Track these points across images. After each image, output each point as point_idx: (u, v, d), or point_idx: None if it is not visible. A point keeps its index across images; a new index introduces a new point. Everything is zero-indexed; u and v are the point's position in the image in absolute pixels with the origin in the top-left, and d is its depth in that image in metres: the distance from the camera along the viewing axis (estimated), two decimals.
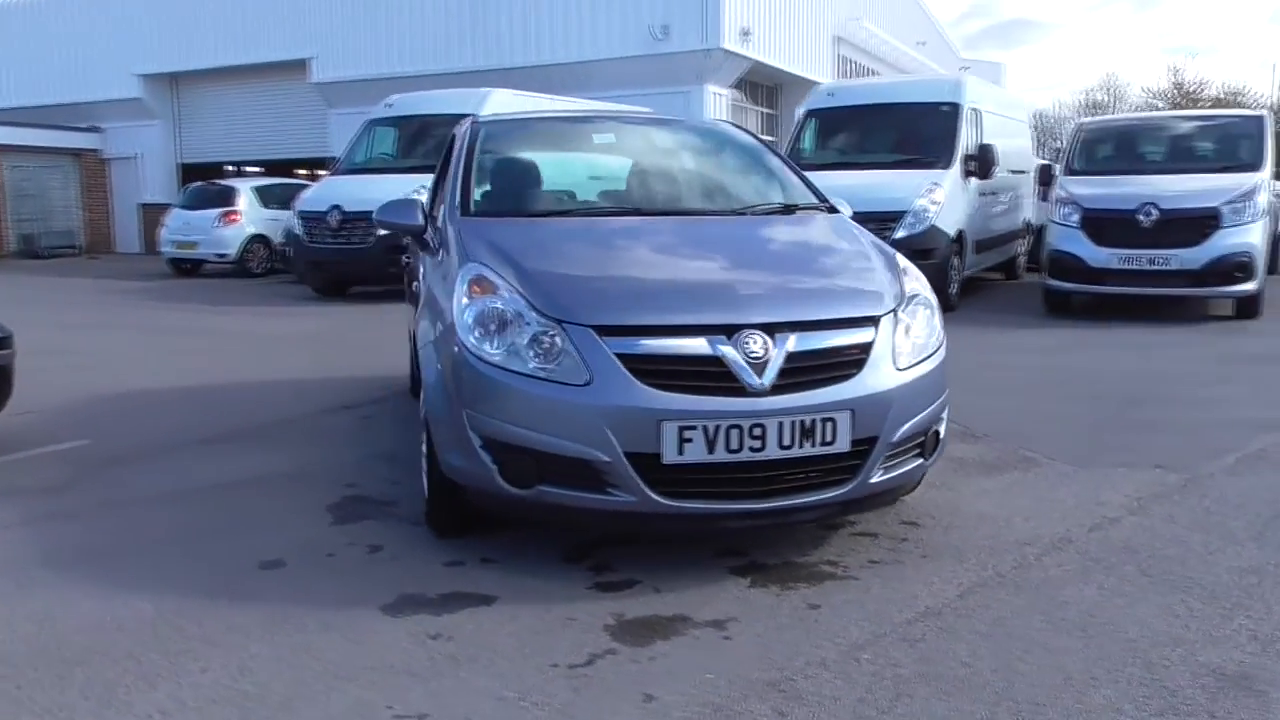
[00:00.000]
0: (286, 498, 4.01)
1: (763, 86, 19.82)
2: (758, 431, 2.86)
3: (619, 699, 2.35)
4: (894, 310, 3.18)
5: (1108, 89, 60.07)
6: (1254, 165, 9.47)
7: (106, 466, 4.51)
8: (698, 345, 2.91)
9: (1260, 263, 8.97)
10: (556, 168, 4.34)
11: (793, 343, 2.95)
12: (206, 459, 4.64)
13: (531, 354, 2.98)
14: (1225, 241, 8.80)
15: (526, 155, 4.32)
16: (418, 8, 19.22)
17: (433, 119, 12.62)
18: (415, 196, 10.70)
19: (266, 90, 21.85)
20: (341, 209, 11.37)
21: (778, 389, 2.89)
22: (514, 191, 4.07)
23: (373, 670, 2.52)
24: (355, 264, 11.44)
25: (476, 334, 3.07)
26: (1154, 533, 3.42)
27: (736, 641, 2.64)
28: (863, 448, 3.00)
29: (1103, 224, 9.21)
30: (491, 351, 3.03)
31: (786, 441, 2.89)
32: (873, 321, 3.12)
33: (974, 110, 10.98)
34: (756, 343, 2.91)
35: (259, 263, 15.84)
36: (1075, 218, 9.42)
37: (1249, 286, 8.88)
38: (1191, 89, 55.57)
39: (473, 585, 3.04)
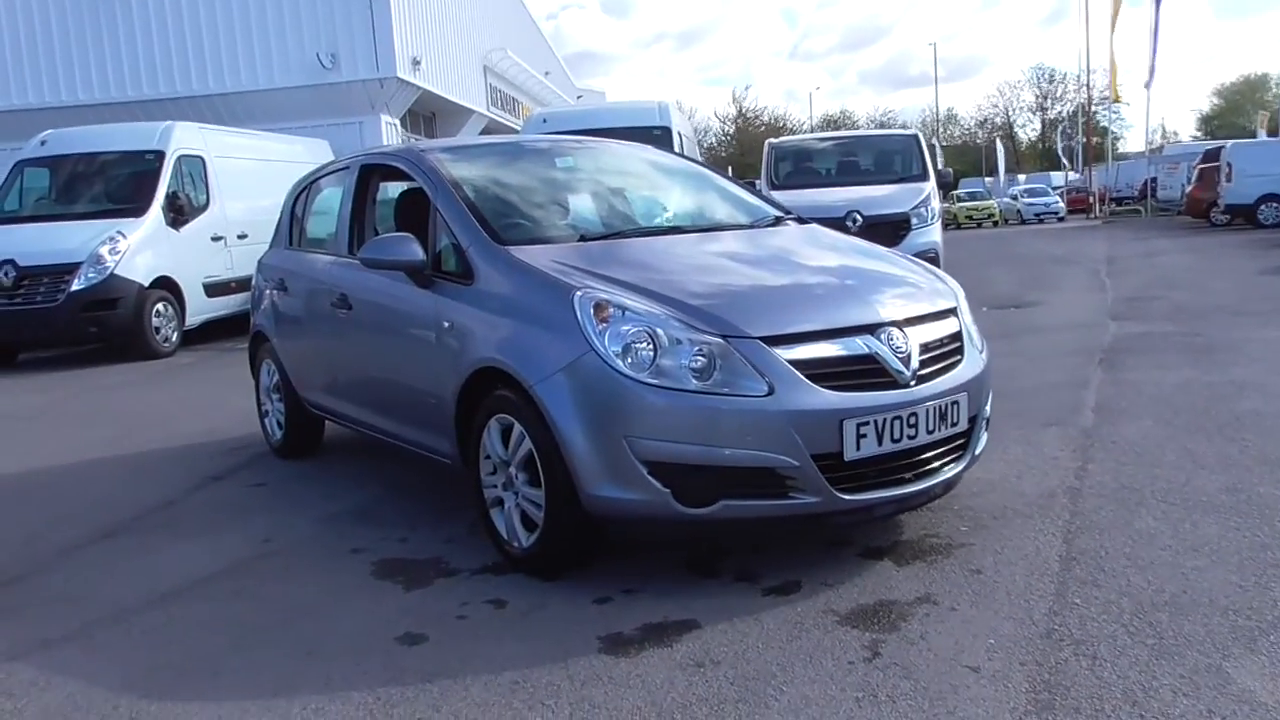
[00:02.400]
0: (308, 578, 3.56)
1: (421, 116, 19.66)
2: (913, 420, 3.10)
3: (949, 675, 2.48)
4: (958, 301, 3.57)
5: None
6: (922, 176, 11.18)
7: (13, 582, 3.69)
8: (854, 345, 3.09)
9: (942, 256, 10.61)
10: (547, 192, 4.22)
11: (919, 335, 3.23)
12: (129, 557, 3.94)
13: (690, 372, 2.98)
14: (918, 240, 10.31)
15: (517, 182, 4.18)
16: (13, 29, 16.76)
17: (102, 157, 11.26)
18: (115, 241, 9.62)
19: None
20: (16, 264, 9.70)
21: (920, 379, 3.15)
22: (535, 218, 3.92)
23: (689, 706, 2.42)
24: (39, 326, 9.80)
25: (626, 359, 3.00)
26: (1127, 473, 4.09)
27: (965, 612, 2.86)
28: (969, 426, 3.35)
29: None
30: (647, 374, 2.98)
31: (931, 427, 3.16)
32: (954, 312, 3.49)
33: (679, 133, 11.86)
34: (899, 338, 3.15)
35: None
36: None
37: None
38: (752, 115, 63.23)
39: (659, 615, 2.97)
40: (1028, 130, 71.51)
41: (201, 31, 16.49)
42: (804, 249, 3.87)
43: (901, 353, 3.14)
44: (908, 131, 12.90)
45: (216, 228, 11.32)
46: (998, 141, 52.13)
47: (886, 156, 12.11)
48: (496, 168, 4.28)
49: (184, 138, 11.26)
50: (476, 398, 3.49)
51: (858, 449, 3.00)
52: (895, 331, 3.16)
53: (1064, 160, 48.40)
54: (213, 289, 11.17)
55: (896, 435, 3.07)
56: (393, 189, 5.07)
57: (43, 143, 11.34)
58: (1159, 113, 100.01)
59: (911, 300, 3.39)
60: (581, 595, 3.17)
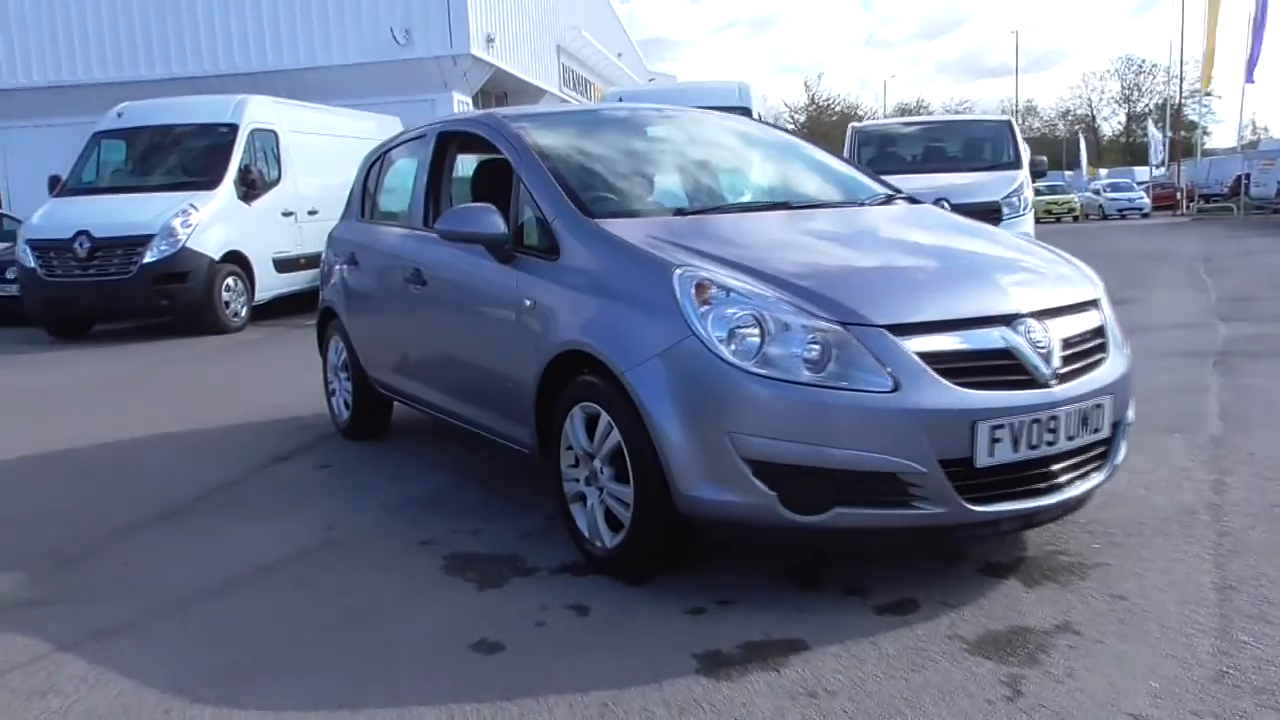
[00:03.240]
0: (374, 571, 3.32)
1: (493, 95, 19.48)
2: (1053, 424, 2.74)
3: None
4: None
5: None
6: (1015, 164, 10.66)
7: (71, 563, 3.51)
8: (989, 338, 2.74)
9: None
10: (637, 163, 3.92)
11: (1060, 329, 2.86)
12: (189, 540, 3.74)
13: (803, 362, 2.66)
14: (1012, 231, 9.80)
15: (605, 152, 3.88)
16: (95, 5, 16.93)
17: (176, 129, 11.24)
18: (187, 214, 9.57)
19: None
20: (91, 235, 9.70)
21: (1060, 378, 2.79)
22: (625, 190, 3.62)
23: None
24: (112, 298, 9.80)
25: (730, 345, 2.69)
26: (1275, 489, 3.66)
27: (1114, 646, 2.50)
28: (1111, 433, 2.98)
29: None
30: (753, 363, 2.66)
31: (1072, 432, 2.80)
32: (1095, 304, 3.12)
33: (759, 115, 11.47)
34: (1039, 331, 2.79)
35: None
36: None
37: None
38: (824, 104, 62.21)
39: (760, 631, 2.66)
40: (1112, 123, 69.39)
41: (277, 6, 16.48)
42: (923, 230, 3.52)
43: (1042, 348, 2.78)
44: (1000, 117, 12.33)
45: (287, 203, 11.25)
46: (1080, 135, 50.43)
47: (976, 143, 11.58)
48: (582, 137, 3.98)
49: (258, 111, 11.19)
50: (559, 383, 3.21)
51: (990, 455, 2.65)
52: (1034, 324, 2.80)
53: (1157, 153, 45.95)
54: (282, 264, 11.10)
55: (1034, 441, 2.71)
56: (469, 162, 4.84)
57: (119, 115, 11.35)
58: (1249, 107, 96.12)
59: (1052, 290, 3.02)
60: (672, 604, 2.87)
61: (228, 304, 10.16)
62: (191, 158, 10.97)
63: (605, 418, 2.98)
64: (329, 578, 3.26)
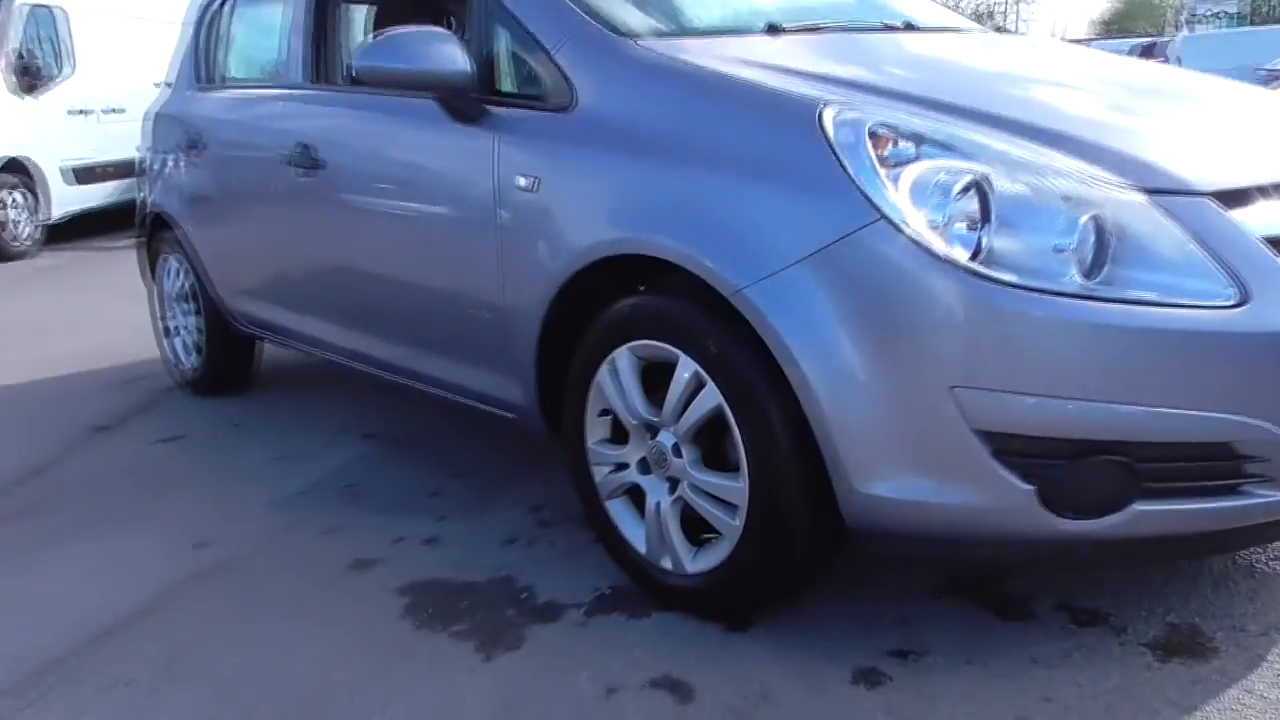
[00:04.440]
0: (288, 627, 2.05)
1: None
2: None
3: None
4: None
5: None
6: None
7: None
8: None
9: None
10: None
11: None
12: (21, 563, 2.34)
13: (1070, 259, 1.53)
14: None
15: None
16: None
17: None
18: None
19: None
20: None
21: None
22: (678, 5, 2.33)
23: None
24: None
25: (946, 235, 1.54)
26: None
27: None
28: None
29: None
30: (982, 261, 1.52)
31: None
32: None
33: None
34: None
35: None
36: None
37: None
38: None
39: (1005, 707, 1.57)
40: None
41: None
42: (1108, 64, 2.40)
43: None
44: None
45: (83, 99, 9.19)
46: None
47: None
48: None
49: None
50: (583, 309, 1.99)
51: None
52: None
53: None
54: (80, 174, 9.08)
55: None
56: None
57: None
58: (1053, 14, 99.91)
59: None
60: (821, 663, 1.75)
61: (12, 224, 8.20)
62: None
63: (691, 366, 1.79)
64: (214, 655, 1.95)
